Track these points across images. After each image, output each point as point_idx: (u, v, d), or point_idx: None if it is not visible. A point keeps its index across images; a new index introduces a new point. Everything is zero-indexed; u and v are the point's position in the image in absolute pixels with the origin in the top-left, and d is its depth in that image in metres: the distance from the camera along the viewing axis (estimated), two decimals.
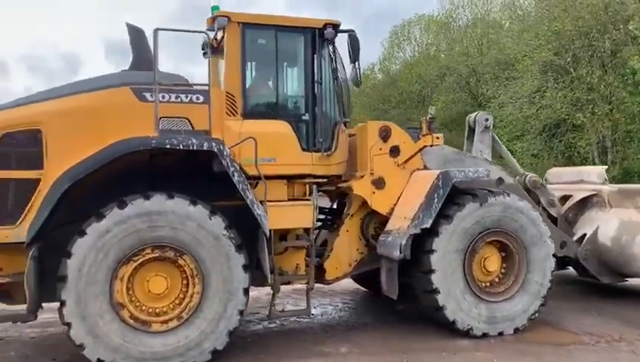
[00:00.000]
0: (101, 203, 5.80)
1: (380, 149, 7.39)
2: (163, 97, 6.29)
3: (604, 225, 8.22)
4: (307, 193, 7.06)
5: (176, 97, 6.52)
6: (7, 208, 5.97)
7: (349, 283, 9.40)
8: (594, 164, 24.69)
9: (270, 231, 6.31)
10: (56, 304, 5.87)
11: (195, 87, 6.76)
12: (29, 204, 5.98)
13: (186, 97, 6.58)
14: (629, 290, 9.10)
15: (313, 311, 7.85)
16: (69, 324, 5.59)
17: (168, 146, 5.88)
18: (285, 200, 6.88)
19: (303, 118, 7.04)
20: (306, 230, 6.88)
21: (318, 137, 7.00)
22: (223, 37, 7.20)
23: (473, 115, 8.64)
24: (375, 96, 38.74)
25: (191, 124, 6.52)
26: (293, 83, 7.33)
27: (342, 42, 7.21)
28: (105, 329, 5.64)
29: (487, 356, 6.25)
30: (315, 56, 7.06)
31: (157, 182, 6.17)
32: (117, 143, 5.87)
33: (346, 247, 7.51)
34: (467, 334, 6.83)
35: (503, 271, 7.20)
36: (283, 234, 6.90)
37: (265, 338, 7.11)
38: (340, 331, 7.37)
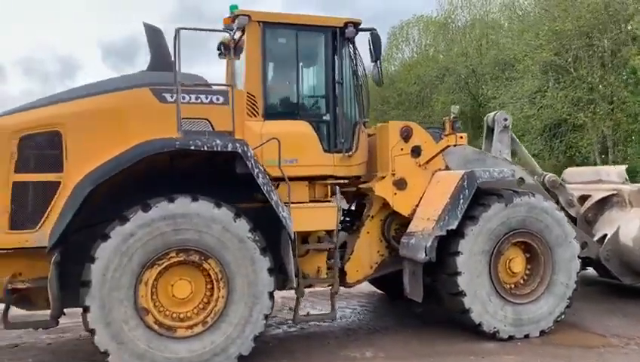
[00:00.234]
0: (119, 206, 5.69)
1: (402, 150, 7.28)
2: (183, 98, 6.16)
3: (625, 225, 8.13)
4: (328, 194, 6.96)
5: (196, 98, 6.41)
6: (26, 212, 5.84)
7: (364, 286, 9.21)
8: (595, 164, 24.68)
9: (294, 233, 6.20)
10: (73, 309, 5.80)
11: (214, 87, 6.66)
12: (49, 208, 5.86)
13: (206, 98, 6.47)
14: None
15: None
16: (93, 331, 5.46)
17: (192, 148, 5.76)
18: (306, 202, 6.77)
19: (324, 118, 6.94)
20: (329, 232, 6.75)
21: (339, 138, 6.90)
22: (240, 37, 7.09)
23: (492, 114, 8.54)
24: (374, 97, 38.63)
25: (211, 125, 6.40)
26: (313, 83, 7.24)
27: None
28: (130, 336, 5.51)
29: (517, 359, 6.14)
30: (336, 55, 6.96)
31: (175, 185, 6.04)
32: (140, 145, 5.74)
33: (366, 249, 7.40)
34: (493, 337, 6.72)
35: (527, 272, 7.10)
36: (304, 237, 6.78)
37: (286, 343, 6.99)
38: (362, 335, 7.25)
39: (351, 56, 7.11)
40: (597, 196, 8.63)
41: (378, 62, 7.08)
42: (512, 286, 7.01)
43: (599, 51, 25.68)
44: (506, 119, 8.37)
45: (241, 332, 5.84)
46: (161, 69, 6.75)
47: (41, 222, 5.83)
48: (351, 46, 7.09)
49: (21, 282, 5.85)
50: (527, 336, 6.82)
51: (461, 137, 7.04)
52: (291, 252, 6.12)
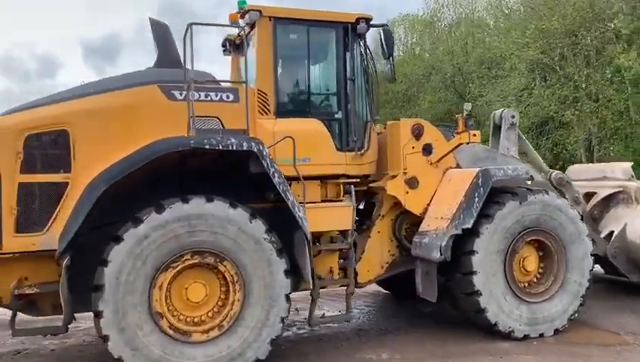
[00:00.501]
0: (125, 207, 5.50)
1: (413, 148, 7.18)
2: (192, 96, 5.98)
3: (631, 222, 8.13)
4: (340, 194, 6.83)
5: (206, 96, 6.25)
6: (33, 214, 5.63)
7: (369, 286, 9.16)
8: (581, 161, 24.93)
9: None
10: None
11: (222, 84, 6.50)
12: (57, 210, 5.65)
13: (216, 95, 6.32)
14: None
15: None
16: (106, 337, 5.25)
17: (207, 147, 5.58)
18: (319, 202, 6.64)
19: (336, 116, 6.83)
20: (342, 232, 6.64)
21: (351, 136, 6.80)
22: (248, 33, 6.94)
23: (499, 111, 8.48)
24: None
25: (221, 123, 6.25)
26: (325, 80, 7.11)
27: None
28: (144, 341, 5.33)
29: (536, 359, 6.08)
30: (348, 51, 6.84)
31: (181, 185, 5.87)
32: (154, 144, 5.55)
33: (377, 249, 7.30)
34: (508, 336, 6.65)
35: (540, 270, 7.06)
36: (316, 237, 6.64)
37: (299, 345, 6.85)
38: (374, 336, 7.14)
39: (362, 53, 6.99)
40: (603, 193, 8.63)
41: (391, 58, 6.97)
42: (526, 284, 6.95)
43: (585, 49, 25.92)
44: (513, 116, 8.31)
45: (257, 335, 5.69)
46: (168, 66, 6.57)
47: (49, 224, 5.63)
48: (362, 42, 6.97)
49: (29, 287, 5.63)
50: (541, 335, 6.76)
51: (474, 135, 6.97)
52: (307, 253, 5.97)
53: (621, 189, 8.51)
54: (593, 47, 25.70)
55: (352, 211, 6.49)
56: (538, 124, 27.52)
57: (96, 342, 7.06)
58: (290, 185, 6.24)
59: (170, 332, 5.46)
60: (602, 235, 8.32)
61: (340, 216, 6.49)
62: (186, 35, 5.93)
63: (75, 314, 5.80)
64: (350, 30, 6.81)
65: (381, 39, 6.91)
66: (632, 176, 8.68)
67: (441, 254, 6.47)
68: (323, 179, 6.72)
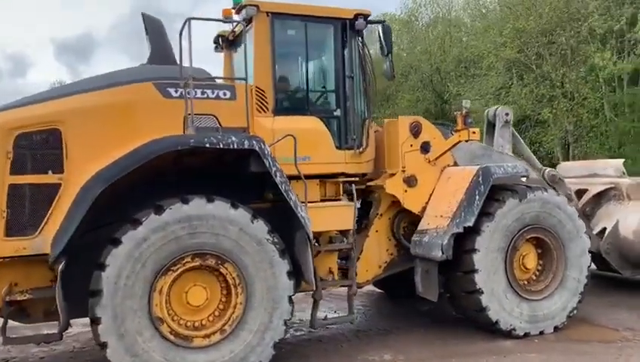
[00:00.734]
0: (119, 207, 5.33)
1: (411, 146, 7.09)
2: (188, 93, 5.79)
3: (623, 219, 8.19)
4: (339, 193, 6.71)
5: (202, 93, 6.07)
6: (24, 217, 5.38)
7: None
8: (558, 159, 25.27)
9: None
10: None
11: (220, 81, 6.33)
12: (49, 212, 5.41)
13: (212, 93, 6.15)
14: None
15: None
16: (104, 344, 5.04)
17: (208, 145, 5.40)
18: (319, 201, 6.51)
19: (335, 113, 6.71)
20: (342, 232, 6.52)
21: (350, 134, 6.69)
22: (243, 29, 6.77)
23: (492, 109, 8.45)
24: None
25: (218, 121, 6.08)
26: (323, 77, 6.99)
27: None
28: (145, 347, 5.14)
29: (540, 357, 6.05)
30: (346, 48, 6.71)
31: (177, 184, 5.69)
32: (152, 142, 5.35)
33: (375, 248, 7.20)
34: (509, 334, 6.62)
35: (539, 268, 7.04)
36: (315, 237, 6.51)
37: (299, 348, 6.71)
38: (375, 336, 7.04)
39: (359, 50, 6.88)
40: (594, 190, 8.67)
41: (390, 55, 6.87)
42: (526, 282, 6.93)
43: (560, 49, 26.29)
44: (507, 114, 8.30)
45: (260, 339, 5.54)
46: (161, 62, 6.37)
47: (41, 227, 5.38)
48: (360, 39, 6.86)
49: (20, 293, 5.38)
50: (541, 333, 6.74)
51: (474, 132, 6.91)
52: (309, 254, 5.83)
53: (612, 186, 8.56)
54: (569, 47, 26.09)
55: (354, 210, 6.37)
56: (515, 123, 27.75)
57: (86, 348, 6.83)
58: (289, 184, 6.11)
59: (171, 337, 5.27)
60: (594, 232, 8.34)
61: (341, 215, 6.37)
62: (182, 30, 5.76)
63: None
64: (348, 26, 6.69)
65: (380, 36, 6.81)
66: (624, 173, 8.74)
67: (442, 253, 6.40)
68: (322, 178, 6.58)
